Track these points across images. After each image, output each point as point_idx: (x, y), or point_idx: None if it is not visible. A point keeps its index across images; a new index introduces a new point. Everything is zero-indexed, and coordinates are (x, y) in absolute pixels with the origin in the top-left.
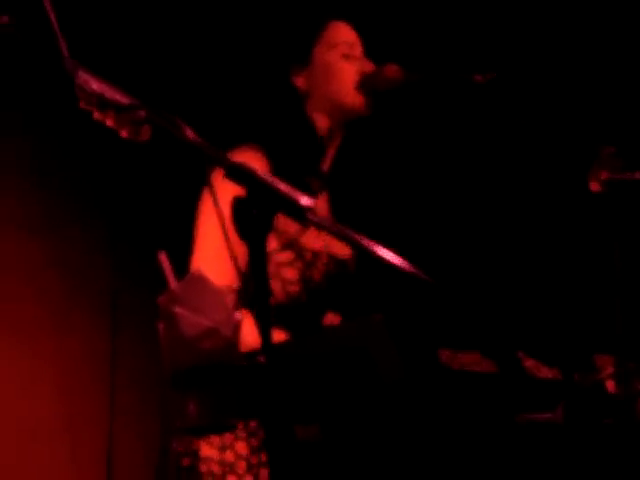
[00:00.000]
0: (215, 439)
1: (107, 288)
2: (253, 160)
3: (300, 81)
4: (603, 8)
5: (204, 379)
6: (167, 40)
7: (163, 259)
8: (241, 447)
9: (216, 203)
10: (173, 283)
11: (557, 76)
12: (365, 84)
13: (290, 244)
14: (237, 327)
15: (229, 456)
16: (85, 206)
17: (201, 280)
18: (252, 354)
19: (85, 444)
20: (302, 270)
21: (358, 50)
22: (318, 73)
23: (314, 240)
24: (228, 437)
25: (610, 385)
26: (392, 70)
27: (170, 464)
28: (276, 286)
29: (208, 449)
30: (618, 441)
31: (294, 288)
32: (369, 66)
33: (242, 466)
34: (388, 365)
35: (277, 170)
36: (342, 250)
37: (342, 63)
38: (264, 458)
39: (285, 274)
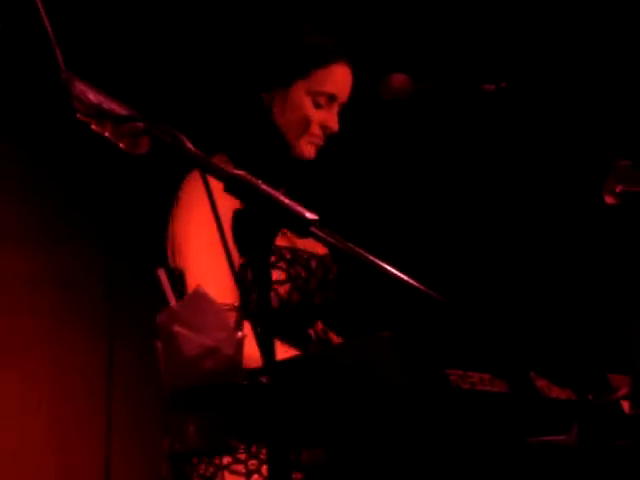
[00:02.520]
0: (238, 466)
1: (103, 304)
2: None
3: (266, 95)
4: (619, 18)
5: (204, 400)
6: (152, 46)
7: (162, 276)
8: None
9: (214, 211)
10: (172, 301)
11: (571, 87)
12: (311, 130)
13: None
14: (240, 346)
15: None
16: (81, 220)
17: (202, 297)
18: (254, 374)
19: (81, 462)
20: (286, 268)
21: (340, 98)
22: (283, 102)
23: (286, 241)
24: (252, 462)
25: (626, 405)
26: (400, 79)
27: None
28: None
29: (233, 477)
30: (634, 463)
31: (284, 289)
32: (334, 124)
33: None
34: (395, 384)
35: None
36: (318, 248)
37: (311, 112)
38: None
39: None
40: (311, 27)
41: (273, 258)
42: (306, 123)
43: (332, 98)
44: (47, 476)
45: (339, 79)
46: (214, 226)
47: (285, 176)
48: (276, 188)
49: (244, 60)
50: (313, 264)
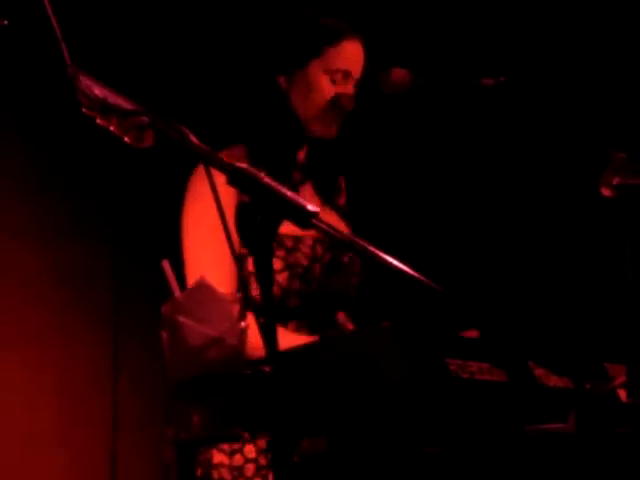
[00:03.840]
0: (225, 445)
1: (109, 295)
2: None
3: (282, 80)
4: (616, 14)
5: (208, 389)
6: (160, 40)
7: (166, 267)
8: (249, 450)
9: (217, 203)
10: (177, 292)
11: (568, 81)
12: (332, 107)
13: None
14: (243, 336)
15: (238, 460)
16: (87, 212)
17: (205, 288)
18: (257, 363)
19: (87, 453)
20: (284, 257)
21: (354, 74)
22: (302, 83)
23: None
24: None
25: (622, 394)
26: (400, 74)
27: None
28: None
29: (219, 455)
30: (631, 450)
31: (282, 277)
32: (348, 96)
33: (251, 468)
34: (395, 373)
35: (256, 164)
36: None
37: (329, 90)
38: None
39: None
40: (318, 8)
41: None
42: (325, 101)
43: (347, 74)
44: (54, 467)
45: (352, 55)
46: (216, 218)
47: (303, 161)
48: (292, 174)
49: (257, 45)
50: (319, 250)
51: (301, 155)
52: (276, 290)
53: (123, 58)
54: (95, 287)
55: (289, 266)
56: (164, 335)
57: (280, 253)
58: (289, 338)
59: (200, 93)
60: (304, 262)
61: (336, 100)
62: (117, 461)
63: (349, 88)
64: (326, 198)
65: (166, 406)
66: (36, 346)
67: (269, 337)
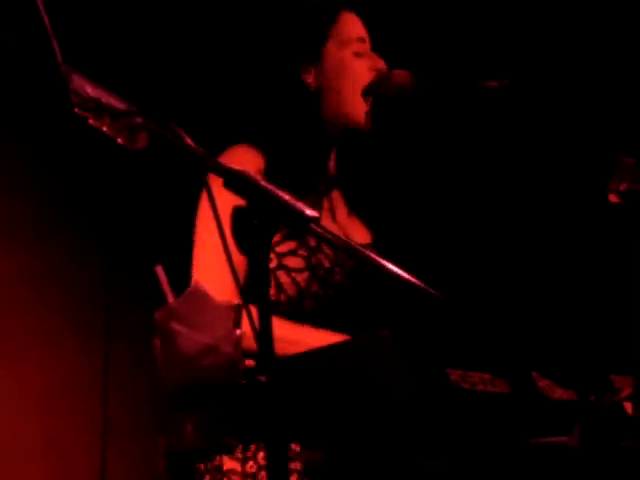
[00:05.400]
0: (237, 452)
1: (100, 301)
2: (248, 158)
3: (310, 78)
4: (622, 16)
5: (202, 398)
6: (168, 39)
7: (160, 273)
8: (263, 457)
9: (214, 211)
10: (170, 298)
11: (575, 84)
12: (372, 88)
13: (293, 234)
14: (238, 343)
15: (251, 467)
16: (78, 216)
17: (200, 295)
18: (252, 372)
19: (76, 463)
20: (307, 256)
21: (368, 45)
22: (330, 71)
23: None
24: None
25: (628, 406)
26: (401, 75)
27: None
28: (284, 278)
29: (230, 462)
30: (636, 465)
31: (302, 276)
32: (380, 62)
33: (264, 476)
34: (395, 383)
35: (274, 169)
36: (358, 236)
37: (355, 62)
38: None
39: (288, 262)
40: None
41: (295, 244)
42: (360, 74)
43: (362, 40)
44: (42, 475)
45: (355, 23)
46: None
47: (330, 170)
48: (318, 183)
49: (269, 53)
50: (341, 254)
51: (329, 164)
52: (293, 291)
53: (125, 60)
54: (86, 293)
55: (311, 267)
56: (157, 342)
57: (302, 252)
58: (322, 336)
59: (207, 92)
60: (326, 264)
61: (368, 71)
62: (106, 471)
63: (372, 55)
64: (353, 207)
65: (158, 416)
66: (25, 354)
67: (265, 343)
